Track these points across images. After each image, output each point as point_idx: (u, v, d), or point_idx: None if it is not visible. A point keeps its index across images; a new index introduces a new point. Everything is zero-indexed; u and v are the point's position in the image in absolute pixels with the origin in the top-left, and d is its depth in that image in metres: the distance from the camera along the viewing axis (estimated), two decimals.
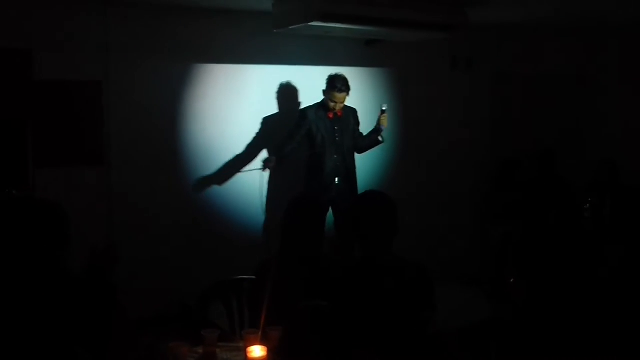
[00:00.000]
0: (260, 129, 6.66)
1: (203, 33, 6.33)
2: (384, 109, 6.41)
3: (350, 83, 6.38)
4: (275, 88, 6.72)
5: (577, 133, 8.18)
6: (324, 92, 6.30)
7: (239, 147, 6.55)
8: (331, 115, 6.32)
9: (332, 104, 6.27)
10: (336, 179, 6.36)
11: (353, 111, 6.51)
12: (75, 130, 5.92)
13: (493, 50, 7.74)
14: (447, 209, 7.63)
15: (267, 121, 6.69)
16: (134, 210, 6.14)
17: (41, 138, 5.77)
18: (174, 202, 6.30)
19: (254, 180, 6.46)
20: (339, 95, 6.24)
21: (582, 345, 2.72)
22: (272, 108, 6.69)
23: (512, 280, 2.93)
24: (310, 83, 6.65)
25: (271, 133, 6.64)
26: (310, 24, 5.53)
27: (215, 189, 6.48)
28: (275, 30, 5.91)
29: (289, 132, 6.36)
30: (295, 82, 6.76)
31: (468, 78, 7.70)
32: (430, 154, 7.50)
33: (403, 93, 7.30)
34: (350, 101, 6.40)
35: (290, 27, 5.72)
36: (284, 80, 6.71)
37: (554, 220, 6.29)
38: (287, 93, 6.77)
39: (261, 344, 3.18)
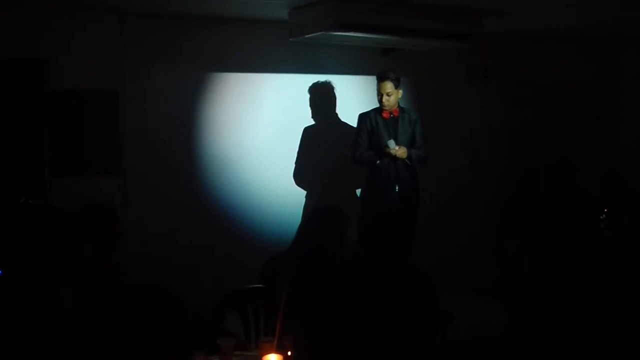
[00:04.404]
0: (303, 140, 6.66)
1: (218, 42, 6.35)
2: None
3: (366, 92, 6.36)
4: (308, 95, 6.72)
5: (594, 143, 8.12)
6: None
7: (255, 156, 6.54)
8: (386, 116, 6.12)
9: (379, 98, 6.07)
10: (396, 187, 6.10)
11: (415, 116, 6.24)
12: (91, 140, 5.95)
13: (510, 59, 7.70)
14: (464, 219, 7.58)
15: (308, 131, 6.68)
16: (149, 219, 6.14)
17: (57, 147, 5.79)
18: (190, 211, 6.30)
19: (272, 189, 6.47)
20: (383, 84, 6.02)
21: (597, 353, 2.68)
22: (288, 116, 6.67)
23: (528, 287, 2.90)
24: None
25: (313, 142, 6.65)
26: (327, 33, 5.52)
27: (232, 196, 6.48)
28: (291, 39, 5.91)
29: (353, 141, 6.20)
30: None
31: (485, 87, 7.67)
32: (446, 164, 7.46)
33: (419, 102, 7.27)
34: (365, 109, 6.36)
35: (307, 36, 5.73)
36: (300, 88, 6.71)
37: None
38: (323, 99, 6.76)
39: (277, 352, 3.16)
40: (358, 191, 6.61)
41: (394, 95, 6.06)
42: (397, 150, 6.01)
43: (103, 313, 2.46)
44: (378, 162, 6.08)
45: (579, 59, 8.04)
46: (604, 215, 6.60)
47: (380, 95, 6.06)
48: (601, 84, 8.18)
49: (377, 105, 6.34)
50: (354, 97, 6.78)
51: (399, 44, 6.34)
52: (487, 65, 7.63)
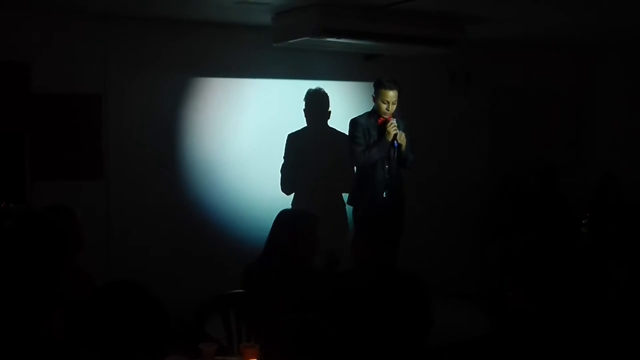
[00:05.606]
0: (290, 147, 6.59)
1: (202, 47, 6.34)
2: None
3: (349, 97, 6.35)
4: (302, 100, 6.68)
5: (576, 148, 8.18)
6: (374, 97, 6.03)
7: (238, 160, 6.53)
8: (381, 121, 6.02)
9: (384, 106, 5.94)
10: (384, 192, 6.00)
11: (404, 124, 6.13)
12: (73, 143, 5.93)
13: (492, 65, 7.74)
14: (446, 224, 7.61)
15: (294, 137, 6.62)
16: (132, 223, 6.12)
17: (39, 151, 5.76)
18: (172, 215, 6.28)
19: (256, 193, 6.47)
20: (389, 92, 5.92)
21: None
22: (271, 121, 6.66)
23: (510, 293, 2.90)
24: None
25: (302, 149, 6.59)
26: (311, 38, 5.53)
27: (215, 201, 6.46)
28: (274, 44, 5.92)
29: (351, 143, 6.08)
30: (294, 97, 6.73)
31: (467, 93, 7.70)
32: (428, 169, 7.48)
33: (402, 108, 7.28)
34: (348, 116, 6.36)
35: (290, 41, 5.73)
36: (283, 93, 6.71)
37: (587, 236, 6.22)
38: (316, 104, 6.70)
39: (258, 358, 3.16)
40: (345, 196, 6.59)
41: (395, 104, 6.00)
42: (401, 134, 5.94)
43: (80, 314, 2.45)
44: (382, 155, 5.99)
45: (560, 65, 8.09)
46: (585, 221, 6.62)
47: (385, 103, 5.95)
48: (582, 90, 8.23)
49: (359, 111, 6.34)
50: (337, 103, 6.77)
51: (382, 49, 6.36)
52: (470, 71, 7.67)
